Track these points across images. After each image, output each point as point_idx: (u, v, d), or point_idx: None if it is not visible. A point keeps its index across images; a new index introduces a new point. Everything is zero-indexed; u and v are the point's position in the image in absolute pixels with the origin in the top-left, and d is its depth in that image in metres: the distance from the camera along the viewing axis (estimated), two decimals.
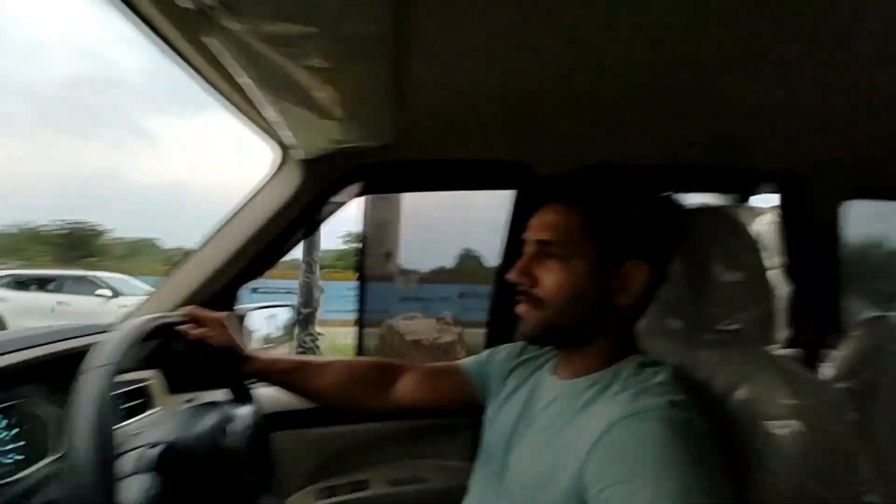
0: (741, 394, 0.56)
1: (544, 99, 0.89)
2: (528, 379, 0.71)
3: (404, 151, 1.03)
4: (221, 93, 0.76)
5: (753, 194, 1.20)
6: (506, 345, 0.82)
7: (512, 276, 0.62)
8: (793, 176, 1.15)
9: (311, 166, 0.98)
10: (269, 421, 0.78)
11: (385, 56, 0.62)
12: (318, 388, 0.80)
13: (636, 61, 0.74)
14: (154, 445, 0.58)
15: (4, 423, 0.62)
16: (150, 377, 0.95)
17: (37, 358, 0.68)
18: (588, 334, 0.61)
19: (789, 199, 1.16)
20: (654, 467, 0.44)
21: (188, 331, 0.71)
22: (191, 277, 0.99)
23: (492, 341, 1.14)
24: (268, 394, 0.79)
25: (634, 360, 0.59)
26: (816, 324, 1.14)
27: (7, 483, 0.59)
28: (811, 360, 1.13)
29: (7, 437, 0.62)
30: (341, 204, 1.10)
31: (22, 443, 0.64)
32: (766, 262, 0.64)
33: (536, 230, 0.62)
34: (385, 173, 1.09)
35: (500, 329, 1.14)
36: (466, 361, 0.83)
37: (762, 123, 0.98)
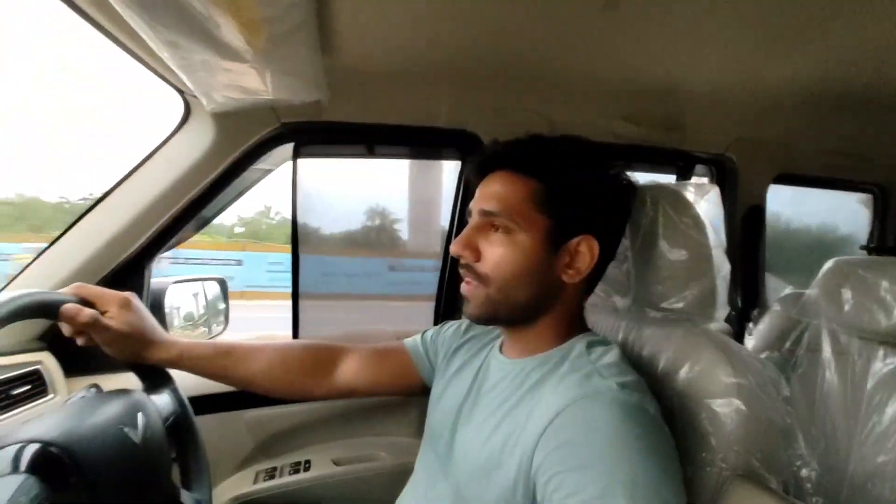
0: (685, 372, 0.56)
1: (485, 66, 0.84)
2: (476, 357, 0.68)
3: (338, 112, 0.93)
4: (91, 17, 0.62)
5: (689, 175, 1.25)
6: (453, 321, 0.78)
7: (454, 248, 0.57)
8: (725, 158, 1.20)
9: (225, 121, 0.85)
10: (198, 404, 0.71)
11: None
12: (247, 376, 0.72)
13: (580, 34, 0.72)
14: (31, 442, 0.48)
15: None
16: (41, 359, 0.81)
17: None
18: (535, 313, 0.57)
19: (721, 180, 1.21)
20: (606, 456, 0.42)
21: (76, 314, 0.59)
22: (82, 246, 0.83)
23: (441, 316, 1.12)
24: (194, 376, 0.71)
25: (583, 338, 0.57)
26: (743, 299, 1.22)
27: None
28: (737, 334, 1.21)
29: None
30: (267, 171, 0.99)
31: None
32: (710, 240, 0.64)
33: (482, 199, 0.57)
34: (318, 136, 0.98)
35: (449, 304, 1.11)
36: (412, 340, 0.78)
37: (699, 109, 1.01)
